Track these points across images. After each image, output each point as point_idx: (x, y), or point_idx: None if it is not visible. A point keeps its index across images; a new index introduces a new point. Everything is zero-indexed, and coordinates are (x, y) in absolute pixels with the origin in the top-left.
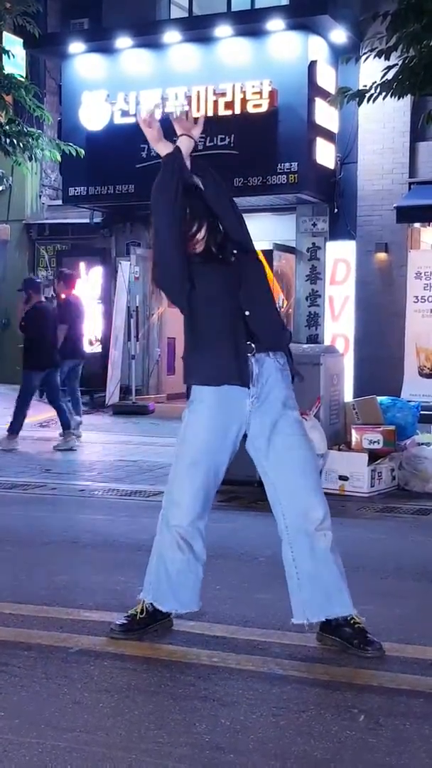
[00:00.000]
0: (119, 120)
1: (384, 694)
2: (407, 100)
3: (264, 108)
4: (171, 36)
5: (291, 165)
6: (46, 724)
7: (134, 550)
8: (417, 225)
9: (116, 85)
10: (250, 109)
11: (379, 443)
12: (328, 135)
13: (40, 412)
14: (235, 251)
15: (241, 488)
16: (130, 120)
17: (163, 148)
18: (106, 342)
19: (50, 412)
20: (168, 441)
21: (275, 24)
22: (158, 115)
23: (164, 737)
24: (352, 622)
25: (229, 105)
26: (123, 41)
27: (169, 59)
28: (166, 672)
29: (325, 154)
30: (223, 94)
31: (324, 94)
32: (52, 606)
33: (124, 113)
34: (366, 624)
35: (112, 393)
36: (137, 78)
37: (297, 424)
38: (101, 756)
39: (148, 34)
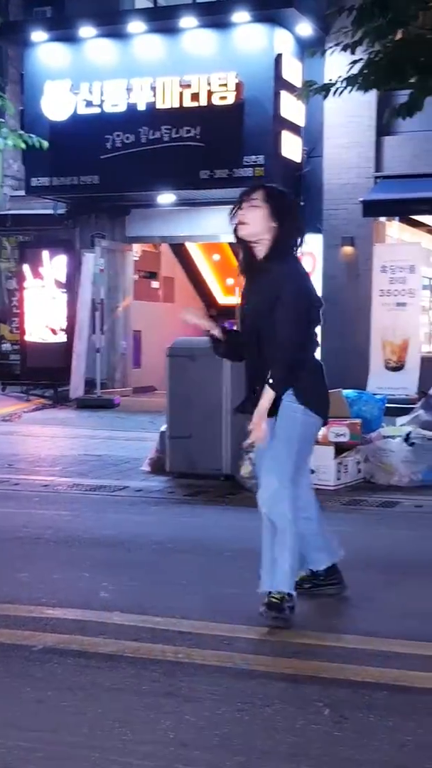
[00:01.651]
0: (83, 110)
1: (348, 687)
2: (373, 94)
3: (230, 100)
4: (135, 26)
5: (257, 158)
6: (9, 724)
7: (98, 546)
8: (383, 219)
9: (80, 75)
10: (216, 102)
11: (345, 436)
12: (294, 128)
13: (4, 406)
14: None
15: (207, 482)
16: (95, 110)
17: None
18: (70, 332)
19: (13, 406)
20: (133, 435)
21: (241, 16)
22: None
23: (128, 735)
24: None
25: (195, 97)
26: (86, 30)
27: (134, 49)
28: (131, 669)
29: (291, 148)
30: (189, 86)
31: (290, 88)
32: (14, 603)
33: (89, 103)
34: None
35: (76, 386)
36: (101, 68)
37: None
38: (64, 755)
39: (112, 24)
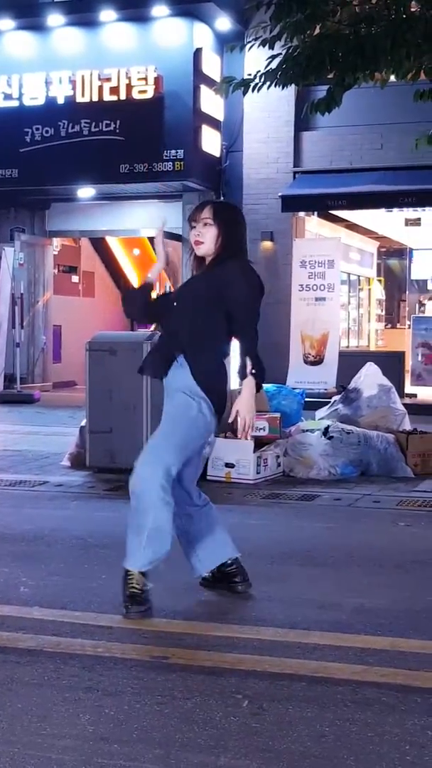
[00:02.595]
0: (1, 103)
1: (267, 678)
2: (291, 89)
3: (149, 94)
4: (54, 19)
5: (177, 152)
6: None
7: (18, 541)
8: (301, 214)
9: None
10: (136, 95)
11: (264, 430)
12: (214, 123)
13: None
14: None
15: (128, 477)
16: (13, 103)
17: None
18: None
19: None
20: (53, 430)
21: (160, 10)
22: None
23: (47, 729)
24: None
25: (114, 90)
26: (4, 23)
27: (53, 42)
28: (50, 664)
29: (211, 142)
30: (108, 80)
31: (209, 82)
32: None
33: (7, 96)
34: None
35: None
36: (20, 60)
37: (173, 403)
38: None
39: (30, 16)
